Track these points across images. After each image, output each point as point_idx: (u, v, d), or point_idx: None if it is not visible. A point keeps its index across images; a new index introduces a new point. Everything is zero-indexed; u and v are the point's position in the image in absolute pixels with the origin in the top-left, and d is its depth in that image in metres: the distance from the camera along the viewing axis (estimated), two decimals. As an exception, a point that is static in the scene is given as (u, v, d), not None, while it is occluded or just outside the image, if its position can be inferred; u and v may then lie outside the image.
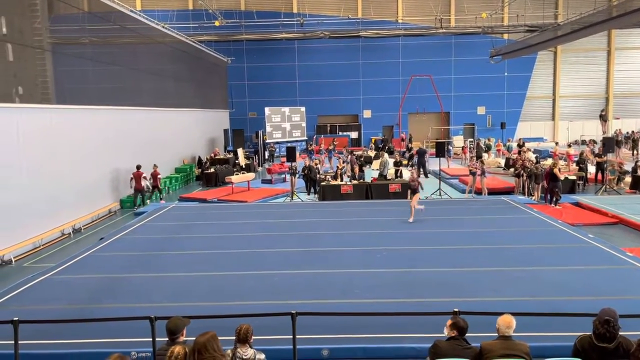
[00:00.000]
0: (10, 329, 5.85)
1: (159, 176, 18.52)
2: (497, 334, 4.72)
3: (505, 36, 36.58)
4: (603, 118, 34.62)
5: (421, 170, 21.86)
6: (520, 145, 26.34)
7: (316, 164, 19.59)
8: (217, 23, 31.85)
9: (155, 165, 18.51)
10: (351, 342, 6.60)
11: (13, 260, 11.32)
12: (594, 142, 27.05)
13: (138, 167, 17.41)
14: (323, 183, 18.48)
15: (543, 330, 6.45)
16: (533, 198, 16.99)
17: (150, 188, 18.17)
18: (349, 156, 22.39)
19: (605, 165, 19.10)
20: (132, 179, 17.35)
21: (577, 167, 20.17)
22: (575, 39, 27.41)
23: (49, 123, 13.36)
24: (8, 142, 11.53)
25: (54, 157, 13.46)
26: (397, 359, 6.40)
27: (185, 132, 26.05)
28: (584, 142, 29.99)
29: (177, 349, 4.22)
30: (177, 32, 26.35)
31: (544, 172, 16.47)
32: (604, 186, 18.40)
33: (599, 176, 19.55)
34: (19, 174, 11.87)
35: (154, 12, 31.01)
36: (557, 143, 26.85)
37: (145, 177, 17.73)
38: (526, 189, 17.86)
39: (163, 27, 24.04)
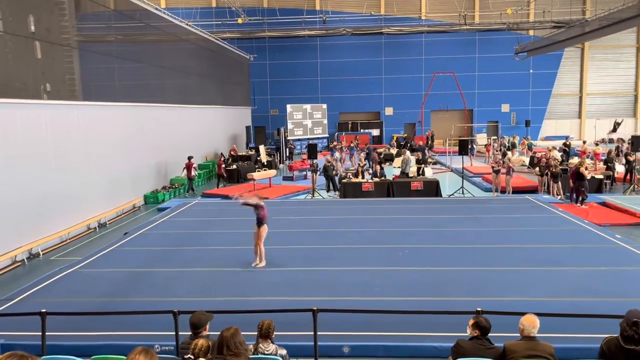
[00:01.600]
0: (38, 321, 5.99)
1: (222, 165, 20.89)
2: (520, 335, 4.65)
3: (531, 32, 35.99)
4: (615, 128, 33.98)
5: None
6: (567, 146, 25.38)
7: (329, 162, 19.48)
8: (240, 20, 32.02)
9: (221, 155, 22.10)
10: (372, 339, 6.59)
11: (41, 253, 11.58)
12: (623, 140, 26.46)
13: (189, 158, 19.41)
14: (344, 180, 18.46)
15: (568, 331, 6.35)
16: (559, 197, 16.71)
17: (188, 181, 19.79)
18: (365, 154, 22.27)
19: (633, 164, 18.67)
20: (184, 168, 19.46)
21: (605, 166, 19.76)
22: (603, 35, 26.84)
23: (76, 119, 13.62)
24: (36, 138, 11.79)
25: (80, 152, 13.72)
26: (419, 357, 6.36)
27: (208, 129, 26.28)
28: (611, 141, 29.36)
29: (201, 341, 4.28)
30: (201, 29, 26.57)
31: (570, 171, 16.19)
32: (632, 185, 17.99)
33: (628, 175, 19.13)
34: (46, 170, 12.13)
35: (178, 10, 31.32)
36: (584, 142, 26.26)
37: (195, 168, 19.79)
38: (551, 188, 17.58)
39: (187, 24, 24.26)
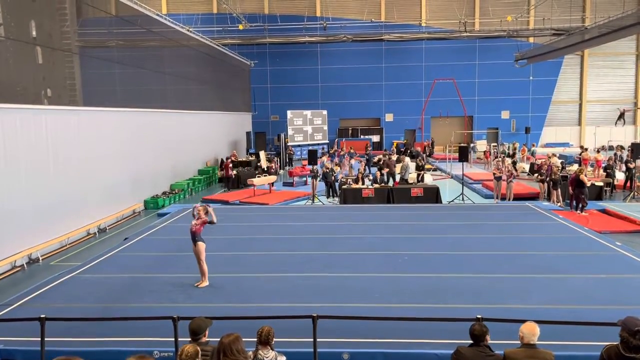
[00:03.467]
0: (37, 326, 5.98)
1: (230, 166, 22.65)
2: (520, 342, 4.64)
3: (531, 40, 36.11)
4: (621, 118, 33.47)
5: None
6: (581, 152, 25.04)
7: (327, 168, 19.48)
8: (240, 27, 32.13)
9: (227, 158, 24.17)
10: (372, 346, 6.57)
11: (40, 258, 11.57)
12: (622, 147, 26.48)
13: (227, 158, 23.21)
14: (344, 186, 18.47)
15: (568, 339, 6.33)
16: (559, 204, 16.72)
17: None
18: (365, 160, 22.09)
19: (634, 172, 18.68)
20: (223, 167, 22.47)
21: (605, 173, 19.78)
22: (603, 42, 26.93)
23: (76, 124, 13.64)
24: (37, 143, 11.80)
25: (80, 157, 13.73)
26: (418, 364, 6.34)
27: (208, 134, 26.31)
28: (611, 148, 29.38)
29: (187, 347, 4.18)
30: (202, 35, 26.65)
31: (570, 178, 16.19)
32: (632, 193, 17.99)
33: (628, 183, 19.13)
34: (46, 175, 12.14)
35: (179, 16, 31.45)
36: (586, 149, 26.18)
37: (230, 167, 22.13)
38: (551, 195, 17.57)
39: (188, 30, 24.34)
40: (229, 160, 22.09)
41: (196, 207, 9.15)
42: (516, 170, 18.03)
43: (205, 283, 9.14)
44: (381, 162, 21.66)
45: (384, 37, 33.19)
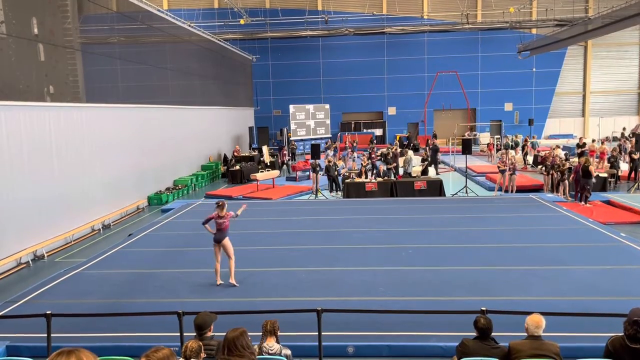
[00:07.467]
0: (43, 322, 6.01)
1: (285, 153, 26.36)
2: (525, 334, 4.65)
3: (534, 31, 35.90)
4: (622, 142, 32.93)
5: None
6: (580, 146, 24.84)
7: (330, 162, 19.43)
8: (242, 21, 32.03)
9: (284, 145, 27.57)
10: (376, 339, 6.59)
11: (45, 255, 11.61)
12: (627, 138, 26.35)
13: (281, 147, 26.81)
14: (347, 180, 18.46)
15: (574, 330, 6.33)
16: (557, 195, 16.69)
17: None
18: (368, 154, 22.14)
19: (638, 162, 18.60)
20: (282, 154, 26.23)
21: (609, 164, 19.70)
22: (606, 33, 26.74)
23: (79, 121, 13.66)
24: (40, 140, 11.83)
25: (84, 154, 13.75)
26: (423, 357, 6.36)
27: (211, 129, 26.31)
28: (615, 139, 29.25)
29: (191, 343, 4.22)
30: (203, 30, 26.59)
31: (573, 169, 16.14)
32: (637, 184, 17.92)
33: (632, 173, 19.06)
34: (50, 171, 12.17)
35: (180, 11, 31.35)
36: (593, 140, 26.02)
37: (285, 154, 25.80)
38: (559, 187, 17.51)
39: (189, 26, 24.29)
40: (284, 147, 25.67)
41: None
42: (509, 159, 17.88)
43: (232, 280, 8.93)
44: (389, 156, 21.53)
45: (386, 30, 33.03)
